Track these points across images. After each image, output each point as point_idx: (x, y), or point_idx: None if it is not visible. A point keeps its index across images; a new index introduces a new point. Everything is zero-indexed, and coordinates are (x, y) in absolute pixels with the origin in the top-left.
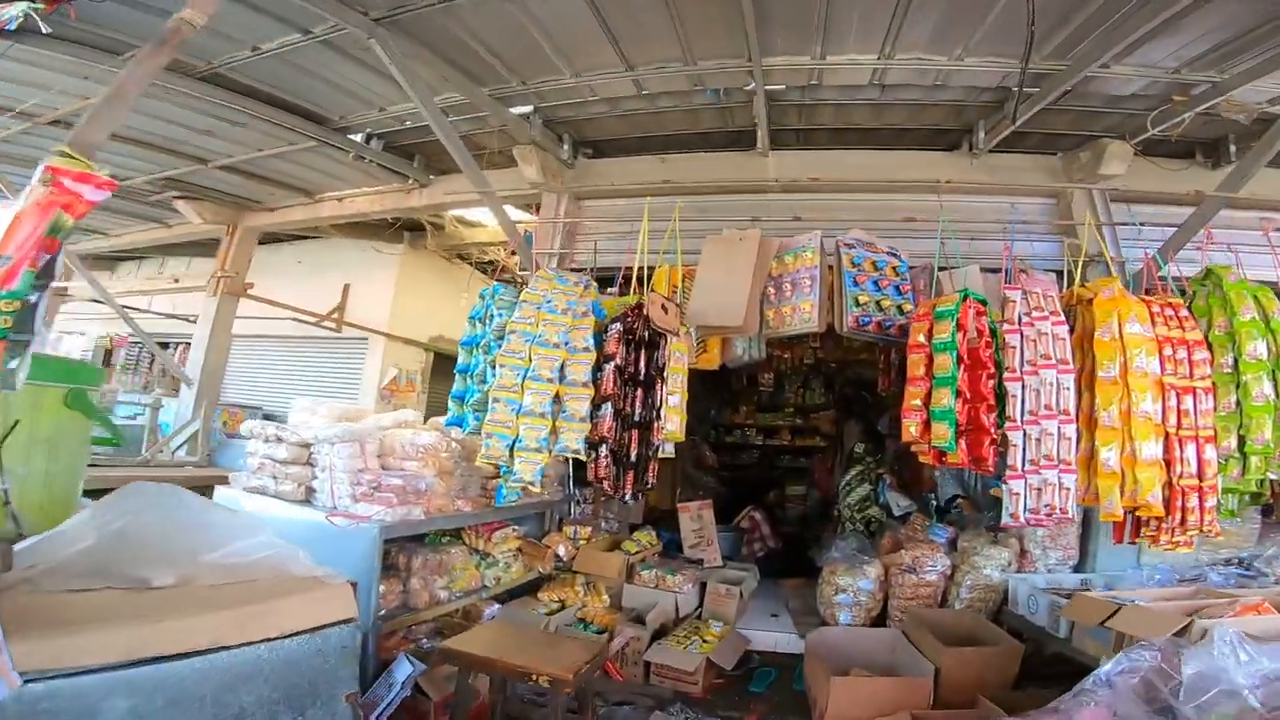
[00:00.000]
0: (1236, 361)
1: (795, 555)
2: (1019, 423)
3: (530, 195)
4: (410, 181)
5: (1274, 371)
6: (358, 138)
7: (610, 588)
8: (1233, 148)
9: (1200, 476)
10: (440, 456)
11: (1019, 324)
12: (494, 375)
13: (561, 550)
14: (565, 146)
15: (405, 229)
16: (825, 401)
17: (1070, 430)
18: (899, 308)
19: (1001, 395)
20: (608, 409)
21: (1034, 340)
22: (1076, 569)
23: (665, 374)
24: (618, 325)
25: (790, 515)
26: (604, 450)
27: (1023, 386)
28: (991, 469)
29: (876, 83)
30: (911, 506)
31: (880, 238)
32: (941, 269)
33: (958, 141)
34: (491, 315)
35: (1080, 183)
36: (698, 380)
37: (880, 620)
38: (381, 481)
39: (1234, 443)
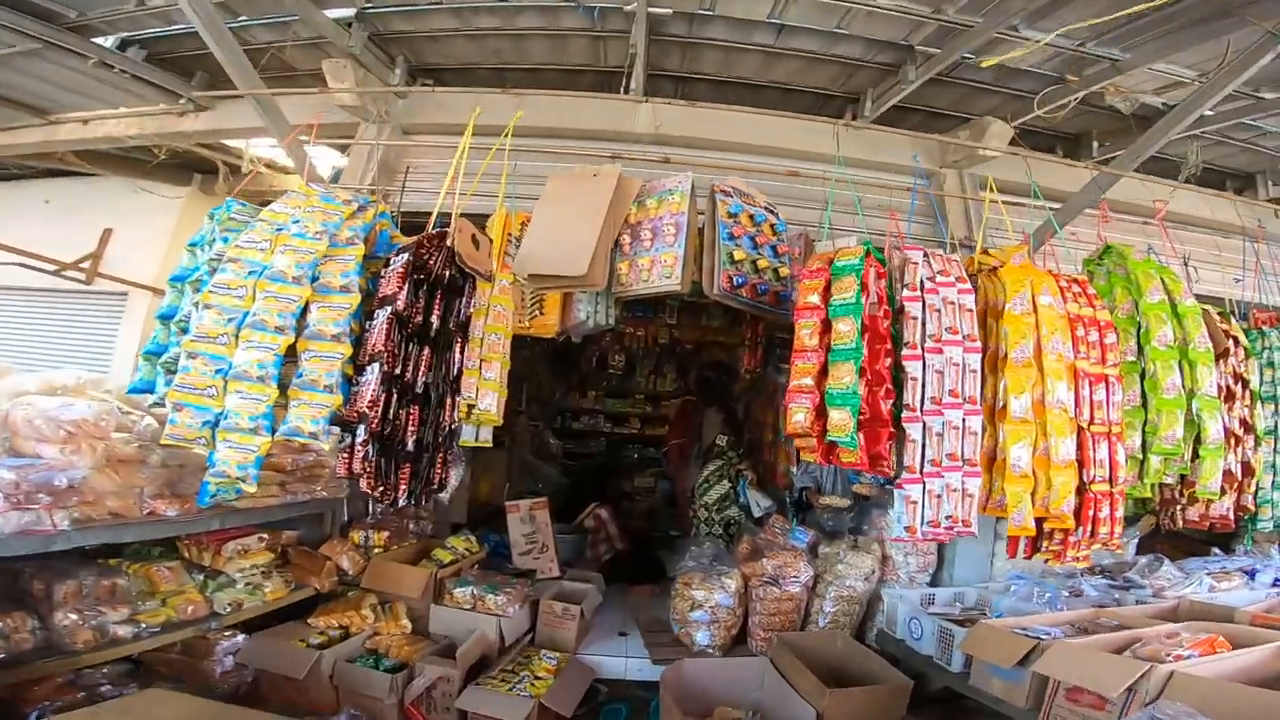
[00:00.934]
0: (1141, 349)
1: (645, 556)
2: (919, 412)
3: (346, 128)
4: (182, 102)
5: (1181, 361)
6: (106, 41)
7: (415, 609)
8: (1095, 145)
9: (1112, 480)
10: (106, 437)
11: (921, 290)
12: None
13: (345, 562)
14: (398, 71)
15: (196, 170)
16: (678, 389)
17: (976, 423)
18: (775, 271)
19: (898, 378)
20: (374, 373)
21: (938, 310)
22: (933, 579)
23: (472, 332)
24: (405, 257)
25: (638, 509)
26: (362, 434)
27: (924, 366)
28: (889, 470)
29: (776, 19)
30: (772, 507)
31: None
32: (815, 242)
33: (842, 110)
34: (214, 240)
35: (955, 164)
36: (540, 359)
37: (741, 638)
38: None
39: (1137, 441)
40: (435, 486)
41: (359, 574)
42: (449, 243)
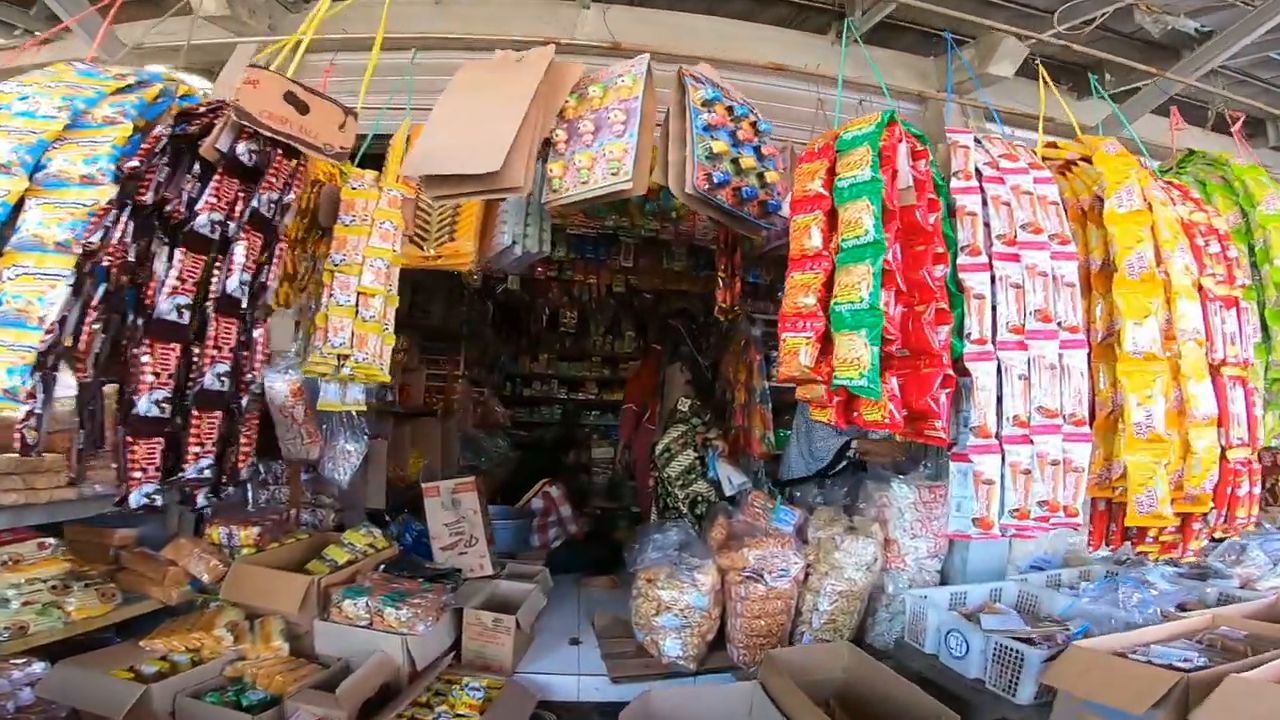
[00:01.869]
0: (1257, 269)
1: (602, 539)
2: (990, 344)
3: (219, 50)
4: (18, 34)
5: None
6: None
7: (296, 627)
8: (1108, 77)
9: (1252, 442)
10: None
11: (979, 178)
12: None
13: (199, 567)
14: None
15: None
16: (637, 348)
17: (1080, 359)
18: (760, 176)
19: (957, 296)
20: (69, 286)
21: (1006, 203)
22: (944, 566)
23: (345, 254)
24: (166, 127)
25: (596, 484)
26: (28, 381)
27: (992, 280)
28: (942, 433)
29: None
30: (746, 483)
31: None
32: None
33: (826, 26)
34: None
35: (956, 89)
36: (483, 318)
37: (718, 642)
38: None
39: (1262, 388)
40: (222, 473)
41: (219, 581)
42: (233, 99)
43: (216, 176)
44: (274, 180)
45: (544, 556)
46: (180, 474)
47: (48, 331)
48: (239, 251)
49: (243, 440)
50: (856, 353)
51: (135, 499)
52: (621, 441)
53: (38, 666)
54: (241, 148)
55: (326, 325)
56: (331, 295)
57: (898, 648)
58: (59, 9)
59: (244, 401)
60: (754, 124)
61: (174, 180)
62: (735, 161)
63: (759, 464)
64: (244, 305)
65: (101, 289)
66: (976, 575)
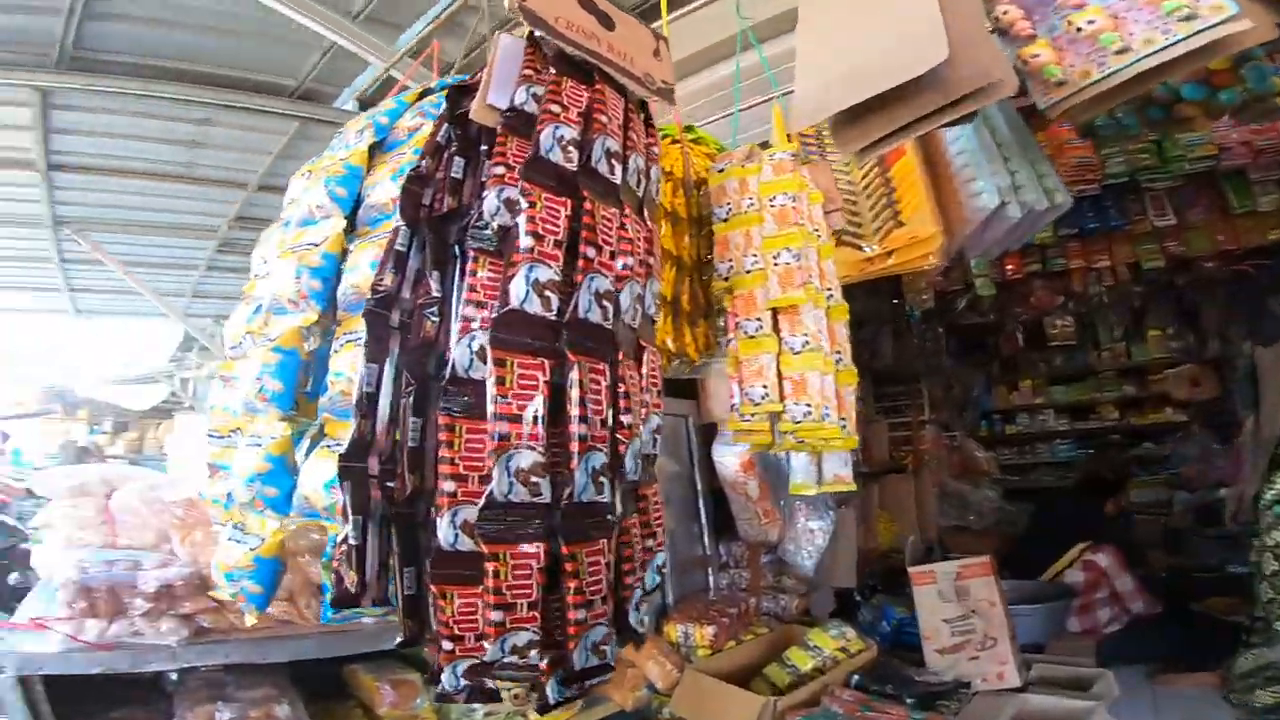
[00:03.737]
0: None
1: (1178, 614)
2: None
3: None
4: None
5: None
6: None
7: None
8: None
9: None
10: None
11: None
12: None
13: (654, 670)
14: None
15: None
16: (1182, 348)
17: None
18: None
19: None
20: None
21: None
22: None
23: (732, 249)
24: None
25: (1144, 536)
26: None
27: None
28: None
29: None
30: None
31: None
32: None
33: None
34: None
35: None
36: (935, 348)
37: None
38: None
39: None
40: (644, 622)
41: (671, 688)
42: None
43: (499, 140)
44: (603, 119)
45: (1092, 647)
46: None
47: (361, 416)
48: (598, 267)
49: (627, 577)
50: None
51: (449, 681)
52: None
53: None
54: (523, 94)
55: (739, 371)
56: (738, 324)
57: None
58: None
59: (617, 505)
60: None
61: (475, 175)
62: None
63: None
64: (608, 326)
65: (395, 350)
66: None
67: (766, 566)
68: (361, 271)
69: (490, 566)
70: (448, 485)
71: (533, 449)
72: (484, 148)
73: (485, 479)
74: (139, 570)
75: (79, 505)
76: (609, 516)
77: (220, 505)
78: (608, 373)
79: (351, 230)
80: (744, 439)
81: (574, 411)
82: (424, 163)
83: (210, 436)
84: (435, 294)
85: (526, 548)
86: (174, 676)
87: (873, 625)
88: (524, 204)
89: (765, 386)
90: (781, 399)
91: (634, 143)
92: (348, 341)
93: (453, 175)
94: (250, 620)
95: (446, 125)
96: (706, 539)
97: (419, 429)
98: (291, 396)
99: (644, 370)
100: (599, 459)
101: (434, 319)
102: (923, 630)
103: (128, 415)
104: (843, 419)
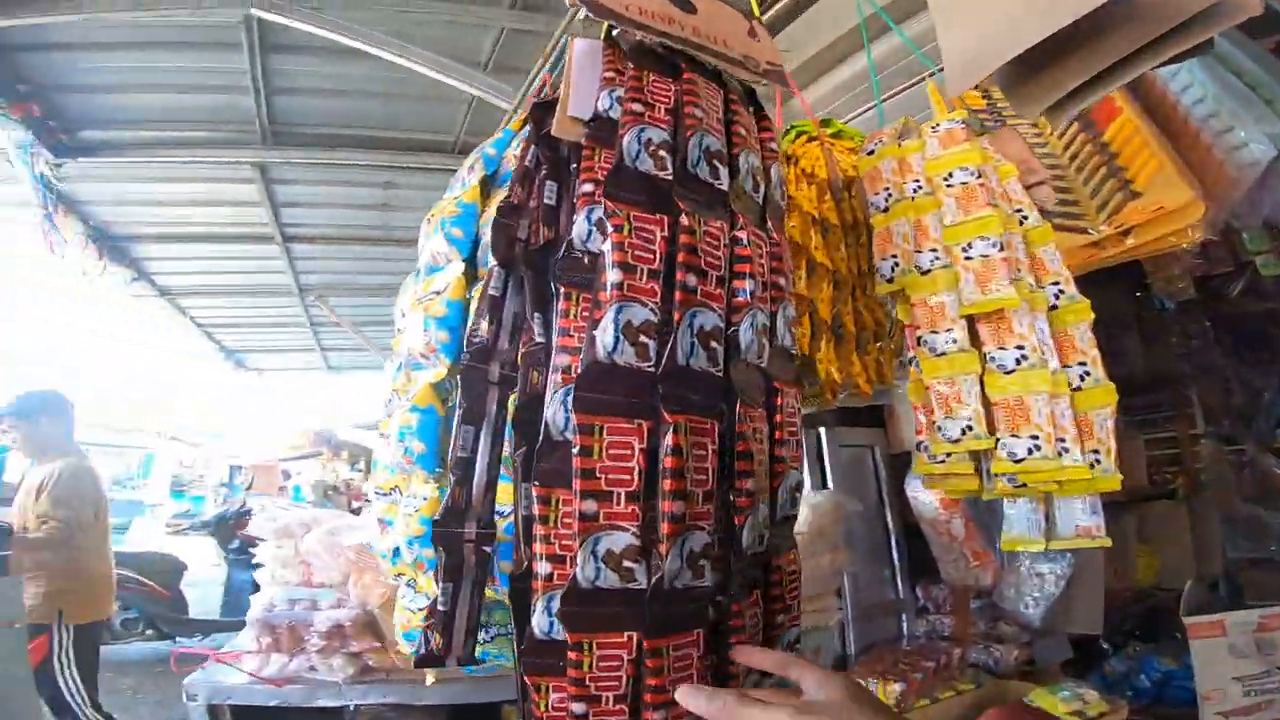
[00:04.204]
0: None
1: None
2: None
3: None
4: None
5: None
6: None
7: None
8: None
9: None
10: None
11: None
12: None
13: None
14: None
15: None
16: None
17: None
18: None
19: None
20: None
21: None
22: None
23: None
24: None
25: None
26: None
27: None
28: None
29: None
30: None
31: None
32: None
33: None
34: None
35: None
36: (1206, 346)
37: None
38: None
39: None
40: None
41: None
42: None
43: (586, 154)
44: (697, 114)
45: None
46: None
47: (457, 481)
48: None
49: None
50: None
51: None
52: None
53: None
54: (607, 100)
55: (926, 400)
56: (920, 339)
57: None
58: None
59: (729, 585)
60: None
61: (569, 199)
62: None
63: None
64: (716, 373)
65: (493, 409)
66: None
67: (977, 612)
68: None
69: (573, 656)
70: (543, 567)
71: (625, 529)
72: (573, 166)
73: (608, 555)
74: (315, 610)
75: (282, 546)
76: (713, 602)
77: (388, 561)
78: (716, 431)
79: (472, 278)
80: (938, 485)
81: (666, 486)
82: (514, 191)
83: (376, 494)
84: (539, 340)
85: (615, 637)
86: (351, 707)
87: (1126, 679)
88: (609, 228)
89: (967, 418)
90: (991, 432)
91: (743, 139)
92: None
93: (546, 202)
94: (429, 680)
95: (534, 147)
96: (899, 581)
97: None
98: (435, 456)
99: (781, 418)
100: (698, 540)
101: (539, 368)
102: (1201, 689)
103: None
104: (1094, 452)
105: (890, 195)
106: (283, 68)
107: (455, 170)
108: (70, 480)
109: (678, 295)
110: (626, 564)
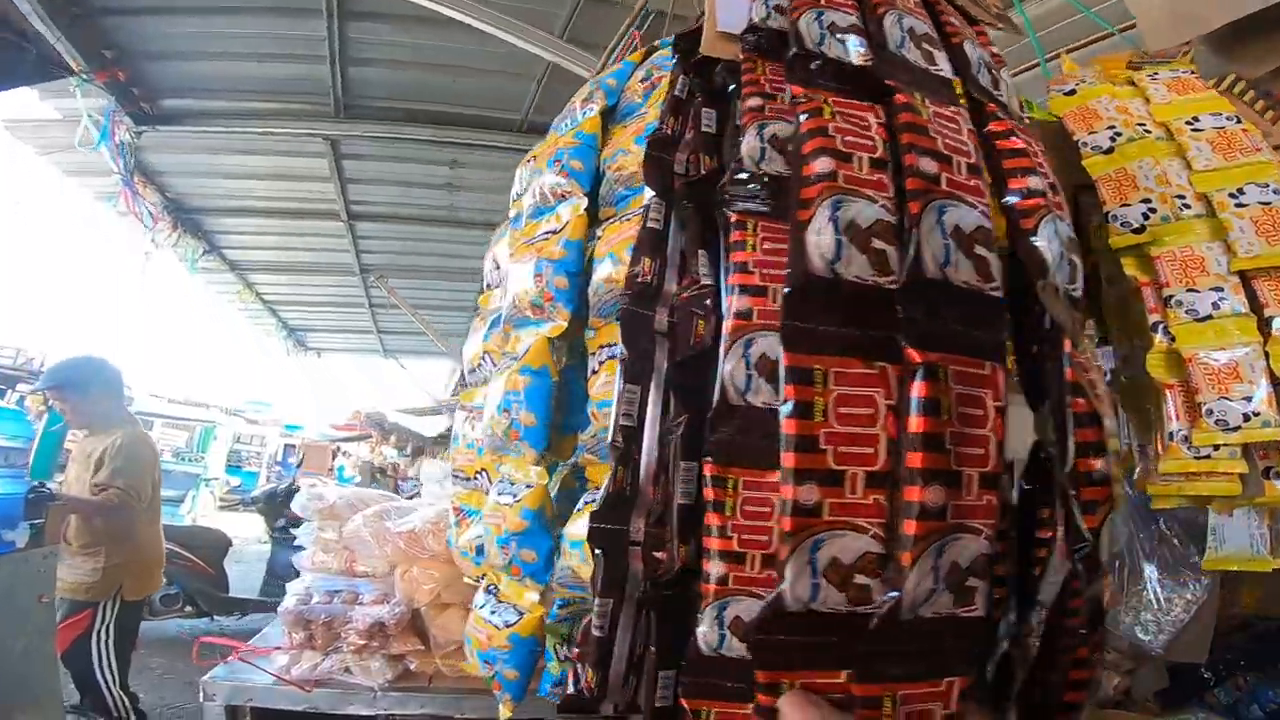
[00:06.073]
0: None
1: None
2: None
3: None
4: None
5: None
6: None
7: None
8: None
9: None
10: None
11: None
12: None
13: None
14: None
15: None
16: None
17: None
18: None
19: None
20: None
21: None
22: None
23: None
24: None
25: None
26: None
27: None
28: None
29: None
30: None
31: None
32: None
33: None
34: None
35: None
36: None
37: None
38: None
39: None
40: None
41: None
42: None
43: (747, 68)
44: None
45: None
46: None
47: (619, 460)
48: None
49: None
50: None
51: None
52: None
53: None
54: (762, 8)
55: (1185, 375)
56: (1172, 300)
57: None
58: None
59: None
60: None
61: (731, 125)
62: None
63: None
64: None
65: (664, 365)
66: None
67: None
68: (615, 261)
69: (763, 700)
70: (715, 567)
71: (863, 529)
72: (730, 89)
73: (772, 560)
74: (356, 605)
75: (325, 529)
76: (987, 640)
77: (469, 560)
78: (1000, 380)
79: (593, 217)
80: (1187, 490)
81: (915, 462)
82: (667, 122)
83: (455, 477)
84: (705, 282)
85: (826, 677)
86: (384, 717)
87: (1233, 710)
88: (803, 117)
89: (1254, 401)
90: None
91: (957, 28)
92: (609, 358)
93: (704, 129)
94: (505, 713)
95: (683, 76)
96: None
97: (693, 479)
98: (546, 431)
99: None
100: (968, 549)
101: (706, 317)
102: None
103: (424, 441)
104: None
105: (1117, 134)
106: (359, 36)
107: (522, 150)
108: (131, 450)
109: (910, 183)
110: (858, 579)
